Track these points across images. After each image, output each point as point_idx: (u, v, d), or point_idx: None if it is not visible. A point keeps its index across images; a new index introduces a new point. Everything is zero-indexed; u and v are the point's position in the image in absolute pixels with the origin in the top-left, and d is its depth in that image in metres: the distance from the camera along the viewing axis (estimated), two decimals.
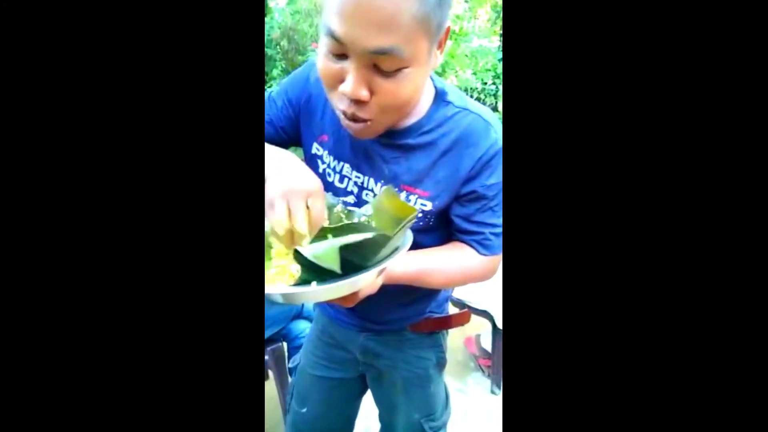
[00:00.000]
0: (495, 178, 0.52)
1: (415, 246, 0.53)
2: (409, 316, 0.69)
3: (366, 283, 0.41)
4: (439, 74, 3.22)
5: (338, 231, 0.41)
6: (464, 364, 1.85)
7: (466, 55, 4.69)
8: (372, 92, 0.42)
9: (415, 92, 0.46)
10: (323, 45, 0.42)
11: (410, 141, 0.52)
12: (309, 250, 0.38)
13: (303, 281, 0.41)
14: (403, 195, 0.53)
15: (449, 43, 3.53)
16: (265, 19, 5.44)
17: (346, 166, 0.56)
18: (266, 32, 5.24)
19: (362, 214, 0.52)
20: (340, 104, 0.44)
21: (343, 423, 0.80)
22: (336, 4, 0.38)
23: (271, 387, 1.43)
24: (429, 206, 0.53)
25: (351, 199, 0.56)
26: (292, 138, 0.60)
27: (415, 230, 0.53)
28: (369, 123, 0.45)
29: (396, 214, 0.44)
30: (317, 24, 4.95)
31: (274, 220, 0.41)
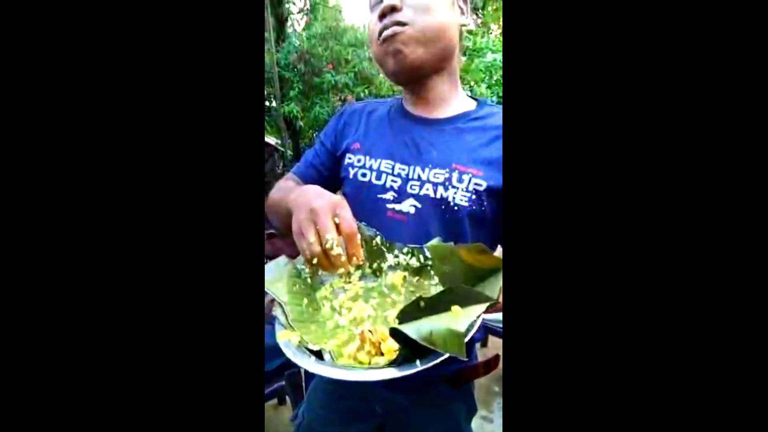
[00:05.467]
0: None
1: (464, 240, 0.51)
2: (441, 365, 0.64)
3: None
4: None
5: (435, 301, 0.37)
6: (488, 389, 1.76)
7: (481, 70, 4.70)
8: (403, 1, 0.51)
9: (441, 9, 0.52)
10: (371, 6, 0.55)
11: (460, 125, 0.55)
12: (416, 332, 0.34)
13: (405, 359, 0.36)
14: (456, 174, 0.52)
15: (462, 58, 3.56)
16: (283, 44, 5.65)
17: (385, 162, 0.55)
18: (284, 56, 5.43)
19: (403, 245, 0.49)
20: (380, 26, 0.52)
21: None
22: None
23: (287, 413, 1.41)
24: (483, 185, 0.51)
25: (390, 195, 0.54)
26: (334, 173, 0.62)
27: (471, 216, 0.51)
28: (407, 29, 0.51)
29: (483, 266, 0.41)
30: (332, 47, 5.10)
31: (305, 245, 0.40)
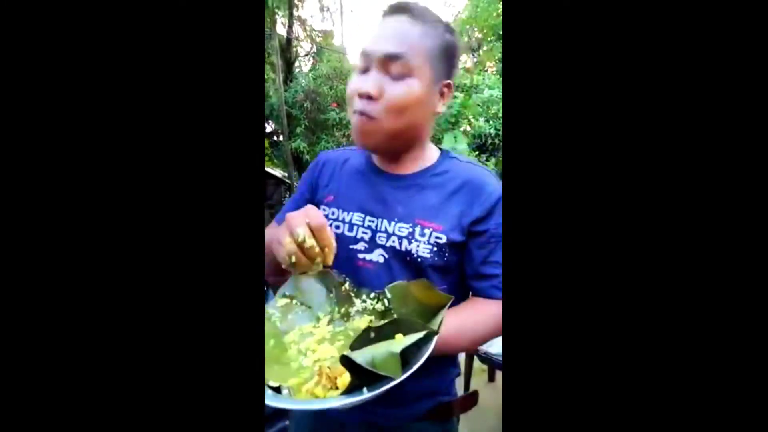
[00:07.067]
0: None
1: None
2: (417, 403, 0.63)
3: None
4: (454, 123, 3.41)
5: (382, 330, 0.42)
6: (497, 430, 1.66)
7: (479, 105, 4.94)
8: (381, 93, 0.52)
9: (416, 108, 0.54)
10: (356, 68, 0.57)
11: (421, 181, 0.60)
12: (362, 357, 0.38)
13: (354, 388, 0.39)
14: (418, 229, 0.57)
15: (461, 95, 3.79)
16: (291, 84, 5.98)
17: (356, 215, 0.60)
18: (291, 96, 5.74)
19: (369, 291, 0.54)
20: (356, 106, 0.54)
21: None
22: (371, 34, 0.56)
23: None
24: (444, 239, 0.56)
25: (362, 246, 0.59)
26: None
27: (433, 267, 0.56)
28: (375, 121, 0.53)
29: (430, 302, 0.47)
30: (336, 87, 5.39)
31: (282, 249, 0.44)
